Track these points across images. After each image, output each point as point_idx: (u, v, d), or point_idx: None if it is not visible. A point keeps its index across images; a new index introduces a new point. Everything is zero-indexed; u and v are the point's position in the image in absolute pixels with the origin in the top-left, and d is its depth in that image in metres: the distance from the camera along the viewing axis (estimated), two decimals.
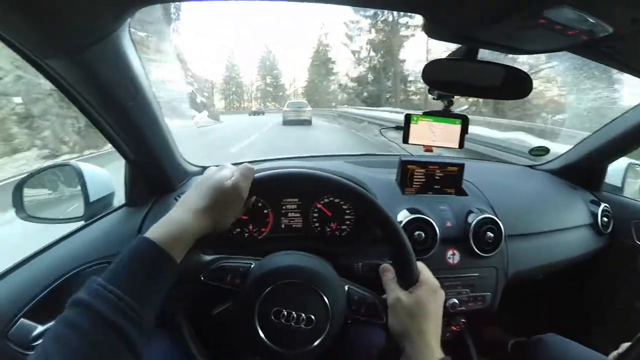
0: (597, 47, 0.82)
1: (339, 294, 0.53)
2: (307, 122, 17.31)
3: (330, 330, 0.51)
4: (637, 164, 1.36)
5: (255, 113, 37.98)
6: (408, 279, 0.55)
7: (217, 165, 0.56)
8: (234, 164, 0.57)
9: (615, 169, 1.33)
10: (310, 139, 11.80)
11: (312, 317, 0.50)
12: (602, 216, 1.19)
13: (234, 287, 0.52)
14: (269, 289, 0.50)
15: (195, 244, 0.47)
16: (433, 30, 0.75)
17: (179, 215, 0.47)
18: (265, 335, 0.50)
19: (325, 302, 0.51)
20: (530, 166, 1.40)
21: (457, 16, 0.65)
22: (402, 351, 0.51)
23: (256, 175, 0.53)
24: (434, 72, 0.77)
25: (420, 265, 0.58)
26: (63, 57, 0.53)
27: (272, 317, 0.49)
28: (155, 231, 0.44)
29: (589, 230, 1.18)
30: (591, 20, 0.55)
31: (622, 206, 1.26)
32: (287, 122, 17.12)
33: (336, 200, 0.88)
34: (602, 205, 1.21)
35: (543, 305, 1.37)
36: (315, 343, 0.50)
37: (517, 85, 0.80)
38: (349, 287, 0.55)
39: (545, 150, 1.26)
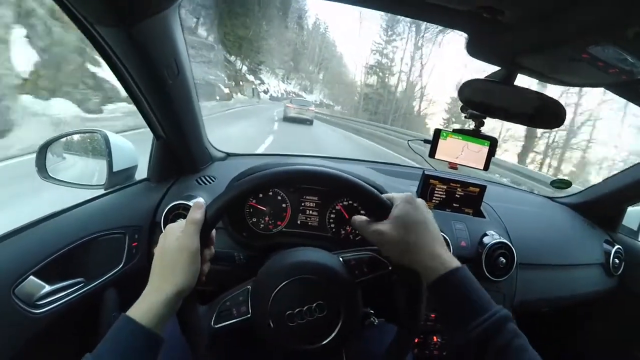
0: (635, 88, 0.82)
1: (336, 268, 0.53)
2: (309, 122, 17.00)
3: (345, 307, 0.51)
4: None
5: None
6: (381, 213, 0.52)
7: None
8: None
9: (635, 212, 1.31)
10: None
11: (321, 302, 0.50)
12: (614, 257, 1.18)
13: (245, 316, 0.52)
14: (270, 300, 0.50)
15: (182, 304, 0.49)
16: (475, 49, 0.75)
17: (150, 290, 0.48)
18: (290, 341, 0.50)
19: (328, 284, 0.51)
20: (551, 198, 1.39)
21: (502, 39, 0.65)
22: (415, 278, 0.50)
23: (208, 211, 0.51)
24: (469, 91, 0.77)
25: (387, 195, 0.55)
26: (115, 27, 0.54)
27: (288, 323, 0.50)
28: (137, 307, 0.46)
29: (600, 270, 1.17)
30: (633, 61, 0.55)
31: (635, 251, 1.25)
32: (287, 119, 16.52)
33: (355, 204, 0.88)
34: (616, 246, 1.19)
35: (546, 338, 1.35)
36: (339, 326, 0.51)
37: (551, 114, 0.79)
38: (342, 257, 0.56)
39: (567, 184, 1.25)
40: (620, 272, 1.20)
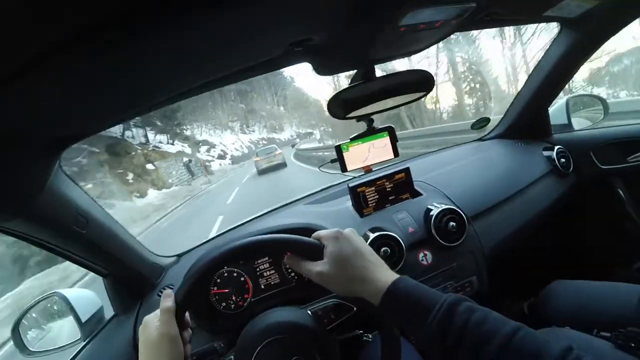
0: (478, 20, 0.88)
1: (306, 323, 0.57)
2: (282, 166, 16.65)
3: (322, 354, 0.55)
4: (575, 96, 1.41)
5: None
6: (315, 255, 0.55)
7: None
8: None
9: (558, 109, 1.38)
10: None
11: (298, 357, 0.54)
12: (558, 158, 1.23)
13: None
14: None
15: None
16: (324, 71, 0.80)
17: None
18: None
19: (299, 338, 0.55)
20: (480, 139, 1.43)
21: (335, 54, 0.70)
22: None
23: (177, 297, 0.55)
24: (340, 104, 0.81)
25: (315, 234, 0.59)
26: (14, 219, 0.58)
27: None
28: None
29: (552, 177, 1.22)
30: (448, 7, 0.59)
31: (575, 141, 1.31)
32: (262, 172, 16.81)
33: None
34: (556, 148, 1.25)
35: (541, 259, 1.39)
36: None
37: (420, 84, 0.84)
38: (310, 310, 0.60)
39: (487, 120, 1.30)
40: (572, 167, 1.26)
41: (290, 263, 0.58)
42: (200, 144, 35.62)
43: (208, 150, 36.15)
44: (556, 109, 1.37)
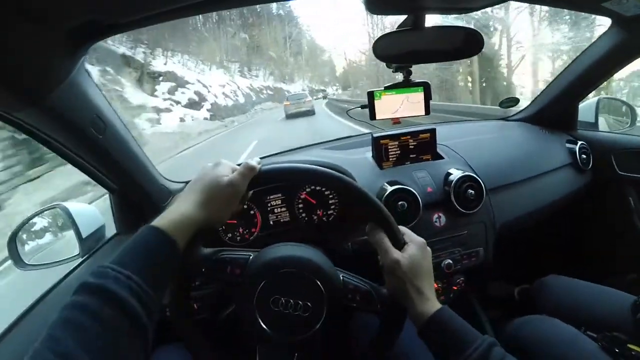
0: None
1: (334, 282, 0.55)
2: (310, 113, 17.36)
3: (327, 317, 0.53)
4: (607, 97, 1.39)
5: None
6: (397, 242, 0.56)
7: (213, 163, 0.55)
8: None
9: (587, 106, 1.36)
10: None
11: (309, 304, 0.52)
12: (580, 153, 1.22)
13: (234, 278, 0.54)
14: (267, 279, 0.52)
15: (195, 235, 0.49)
16: (374, 6, 0.77)
17: (180, 205, 0.49)
18: (264, 323, 0.52)
19: (320, 289, 0.53)
20: (504, 119, 1.42)
21: None
22: (403, 310, 0.54)
23: (263, 168, 0.55)
24: (385, 47, 0.78)
25: (402, 228, 0.60)
26: (28, 108, 0.55)
27: (271, 305, 0.51)
28: (159, 220, 0.46)
29: (570, 170, 1.21)
30: None
31: (599, 141, 1.29)
32: (289, 116, 17.54)
33: (318, 188, 0.90)
34: (579, 143, 1.23)
35: (542, 250, 1.40)
36: (313, 329, 0.52)
37: (469, 43, 0.81)
38: (343, 276, 0.57)
39: (515, 101, 1.28)
40: (590, 165, 1.25)
41: (373, 235, 0.57)
42: (161, 78, 19.12)
43: (171, 92, 18.99)
44: (585, 105, 1.34)
